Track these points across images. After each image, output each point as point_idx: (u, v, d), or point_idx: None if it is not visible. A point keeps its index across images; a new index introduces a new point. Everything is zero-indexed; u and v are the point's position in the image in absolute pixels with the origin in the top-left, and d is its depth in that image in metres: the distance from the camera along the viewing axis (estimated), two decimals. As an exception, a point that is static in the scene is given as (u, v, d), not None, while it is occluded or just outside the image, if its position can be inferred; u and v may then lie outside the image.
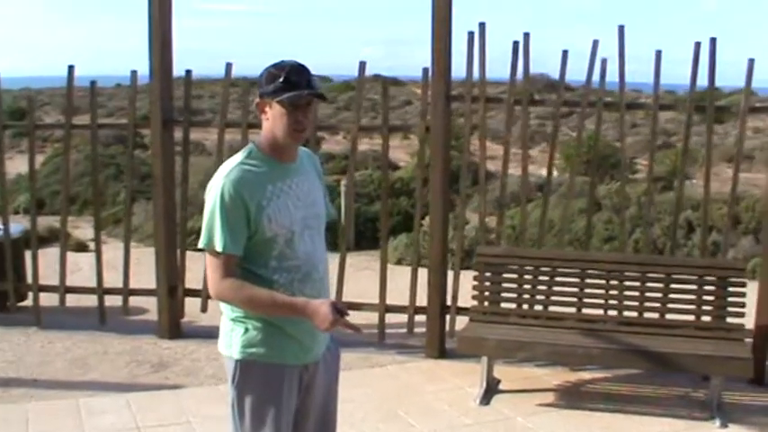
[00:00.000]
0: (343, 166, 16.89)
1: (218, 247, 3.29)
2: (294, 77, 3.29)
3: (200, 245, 3.36)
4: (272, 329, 3.40)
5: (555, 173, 20.07)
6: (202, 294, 7.97)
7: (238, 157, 3.41)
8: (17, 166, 18.07)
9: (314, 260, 3.48)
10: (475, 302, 6.97)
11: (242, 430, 3.48)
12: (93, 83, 8.37)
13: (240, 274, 3.36)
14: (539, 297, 6.99)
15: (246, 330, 3.41)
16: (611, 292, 6.85)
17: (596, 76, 7.23)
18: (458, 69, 7.50)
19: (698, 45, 6.94)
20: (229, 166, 3.36)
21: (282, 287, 3.37)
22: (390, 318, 7.93)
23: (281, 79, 3.28)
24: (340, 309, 3.23)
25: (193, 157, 16.86)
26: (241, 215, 3.28)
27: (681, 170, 7.58)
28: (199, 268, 3.38)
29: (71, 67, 8.13)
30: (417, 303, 7.79)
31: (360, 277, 10.88)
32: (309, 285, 3.44)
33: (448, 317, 7.65)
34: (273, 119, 3.35)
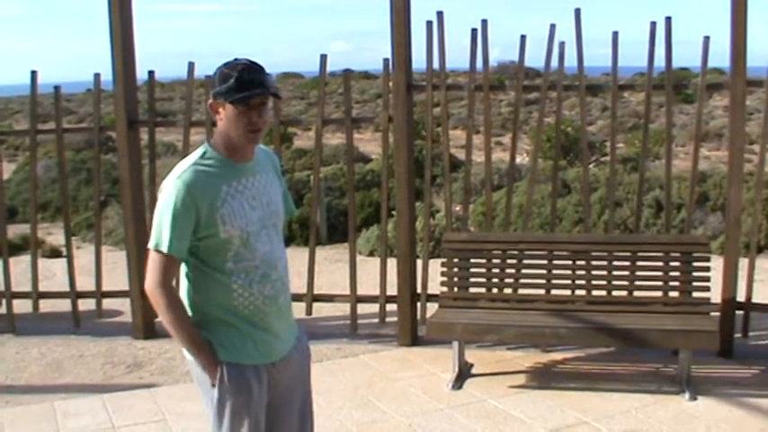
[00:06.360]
0: (313, 161, 17.07)
1: (164, 248, 3.26)
2: (247, 76, 3.25)
3: (149, 245, 3.32)
4: (229, 331, 3.38)
5: (526, 158, 20.23)
6: (175, 293, 7.97)
7: (193, 157, 3.38)
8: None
9: (271, 260, 3.45)
10: (444, 289, 7.04)
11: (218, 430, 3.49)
12: (56, 87, 8.36)
13: (197, 277, 3.37)
14: (507, 280, 7.06)
15: (205, 334, 3.40)
16: (579, 272, 6.93)
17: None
18: (422, 60, 7.59)
19: (653, 24, 7.03)
20: (183, 167, 3.33)
21: (241, 288, 3.35)
22: (364, 308, 7.98)
23: (233, 79, 3.24)
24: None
25: (165, 159, 16.92)
26: (190, 218, 3.26)
27: (643, 150, 7.67)
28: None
29: (34, 73, 8.13)
30: (388, 293, 7.85)
31: (333, 270, 10.97)
32: (269, 286, 3.42)
33: (419, 305, 7.72)
34: (228, 119, 3.30)
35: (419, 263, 7.80)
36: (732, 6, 6.70)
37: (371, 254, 12.25)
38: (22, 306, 8.55)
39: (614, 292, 6.92)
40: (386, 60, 7.47)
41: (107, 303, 8.52)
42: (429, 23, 7.37)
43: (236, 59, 3.34)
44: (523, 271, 7.05)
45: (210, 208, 3.28)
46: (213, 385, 3.37)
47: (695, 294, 6.69)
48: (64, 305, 8.59)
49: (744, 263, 7.15)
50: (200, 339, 3.35)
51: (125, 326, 8.37)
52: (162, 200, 3.30)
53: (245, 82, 3.25)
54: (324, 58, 7.69)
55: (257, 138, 3.37)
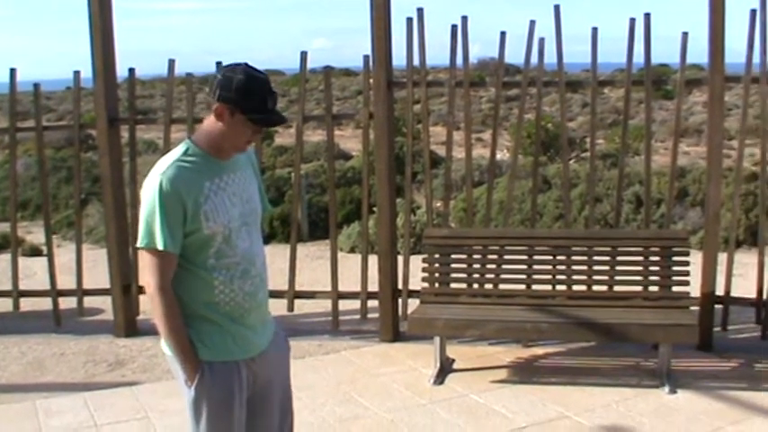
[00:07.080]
0: (294, 158, 17.05)
1: (160, 246, 3.24)
2: (269, 98, 3.29)
3: (140, 244, 3.30)
4: (210, 327, 3.39)
5: (507, 154, 20.29)
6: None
7: (175, 153, 3.37)
8: (-33, 174, 17.89)
9: (251, 256, 3.47)
10: (425, 285, 7.06)
11: (197, 427, 3.49)
12: (36, 85, 8.34)
13: (179, 273, 3.35)
14: (488, 276, 7.08)
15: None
16: (559, 267, 6.96)
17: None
18: (402, 57, 7.60)
19: (632, 21, 7.06)
20: (166, 163, 3.31)
21: (222, 285, 3.36)
22: (345, 304, 7.99)
23: (258, 98, 3.26)
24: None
25: (146, 156, 16.87)
26: (179, 213, 3.25)
27: (622, 145, 7.71)
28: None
29: (13, 70, 8.08)
30: (370, 289, 7.86)
31: (315, 266, 10.96)
32: (249, 282, 3.44)
33: (400, 300, 7.74)
34: (231, 128, 3.30)
35: (400, 259, 7.80)
36: (710, 3, 6.74)
37: (352, 250, 12.25)
38: (2, 305, 8.53)
39: (594, 287, 6.95)
40: (366, 57, 7.48)
41: (88, 301, 8.49)
42: (409, 20, 7.38)
43: (249, 67, 3.33)
44: (504, 266, 7.06)
45: (195, 204, 3.27)
46: (189, 386, 3.38)
47: (675, 289, 6.73)
48: (45, 304, 8.56)
49: (723, 257, 7.20)
50: (188, 345, 3.35)
51: (106, 324, 8.33)
52: (148, 197, 3.27)
53: (267, 104, 3.30)
54: (304, 55, 7.69)
55: (247, 148, 3.47)
